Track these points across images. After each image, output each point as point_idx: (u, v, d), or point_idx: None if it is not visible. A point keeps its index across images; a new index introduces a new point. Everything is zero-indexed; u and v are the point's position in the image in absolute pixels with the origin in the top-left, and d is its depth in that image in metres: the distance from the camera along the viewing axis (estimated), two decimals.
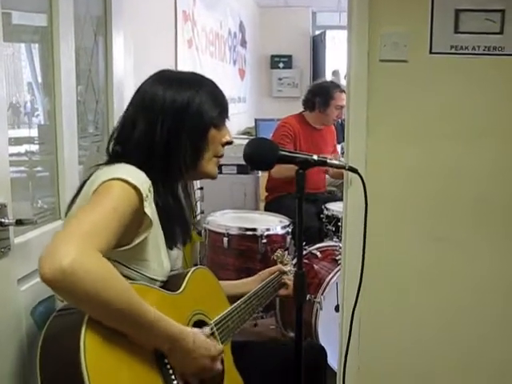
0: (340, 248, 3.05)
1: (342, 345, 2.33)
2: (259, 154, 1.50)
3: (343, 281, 2.31)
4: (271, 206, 3.77)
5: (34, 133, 1.88)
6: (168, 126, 1.46)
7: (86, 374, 1.09)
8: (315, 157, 1.49)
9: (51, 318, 1.24)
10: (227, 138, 1.57)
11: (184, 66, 3.76)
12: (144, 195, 1.31)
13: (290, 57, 7.34)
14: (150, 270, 1.41)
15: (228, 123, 1.61)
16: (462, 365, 2.26)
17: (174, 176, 1.51)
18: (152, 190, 1.37)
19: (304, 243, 3.26)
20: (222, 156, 1.58)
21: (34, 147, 1.87)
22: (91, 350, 1.12)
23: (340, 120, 4.64)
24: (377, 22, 2.10)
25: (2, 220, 1.47)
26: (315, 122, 3.81)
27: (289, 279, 1.95)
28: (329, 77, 6.90)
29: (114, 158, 1.50)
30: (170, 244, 1.50)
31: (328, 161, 1.50)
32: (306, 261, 3.12)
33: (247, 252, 3.06)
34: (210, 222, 3.16)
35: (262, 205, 4.08)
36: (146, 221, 1.34)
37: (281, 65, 7.36)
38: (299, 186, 1.51)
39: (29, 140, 1.83)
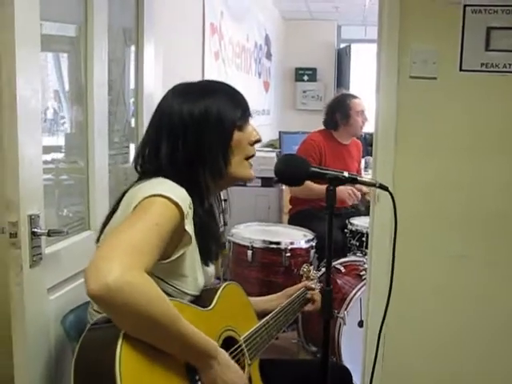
0: (364, 263, 3.05)
1: (365, 360, 2.31)
2: (290, 170, 1.50)
3: (368, 297, 2.30)
4: (295, 220, 3.76)
5: (61, 141, 1.90)
6: (189, 141, 1.45)
7: None
8: (346, 174, 1.49)
9: (85, 331, 1.25)
10: (255, 137, 1.55)
11: (211, 78, 3.79)
12: (185, 212, 1.31)
13: (314, 70, 7.35)
14: (186, 285, 1.41)
15: None
16: (487, 381, 2.23)
17: (203, 189, 1.51)
18: (192, 206, 1.36)
19: None
20: (253, 156, 1.55)
21: (61, 155, 1.89)
22: (126, 364, 1.13)
23: (364, 134, 4.68)
24: (407, 40, 2.11)
25: (35, 230, 1.50)
26: (343, 138, 3.79)
27: (315, 294, 1.94)
28: (353, 91, 6.90)
29: (144, 175, 1.49)
30: (206, 260, 1.50)
31: (359, 178, 1.50)
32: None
33: (271, 265, 3.05)
34: (234, 235, 3.17)
35: (286, 217, 4.08)
36: (186, 237, 1.34)
37: (305, 77, 7.36)
38: (329, 203, 1.49)
39: (55, 149, 1.85)
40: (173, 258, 1.35)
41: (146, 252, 1.20)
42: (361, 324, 2.76)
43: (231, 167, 1.51)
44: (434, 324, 2.24)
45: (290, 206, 3.93)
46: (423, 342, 2.26)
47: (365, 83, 7.15)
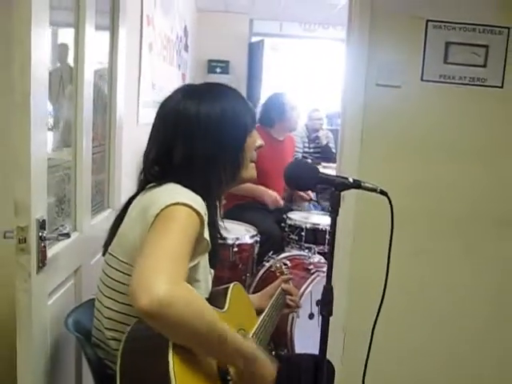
0: (309, 257, 3.17)
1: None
2: (299, 177, 1.55)
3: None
4: (230, 214, 3.80)
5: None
6: (208, 144, 1.45)
7: None
8: (351, 179, 1.57)
9: (125, 342, 1.24)
10: (259, 142, 1.59)
11: (146, 71, 3.74)
12: (205, 220, 1.33)
13: (227, 62, 7.38)
14: (200, 290, 1.43)
15: None
16: (447, 371, 2.43)
17: (215, 193, 1.53)
18: (207, 213, 1.38)
19: (271, 252, 3.35)
20: (255, 161, 1.59)
21: None
22: (179, 374, 1.14)
23: (327, 142, 5.04)
24: (375, 50, 2.23)
25: (42, 234, 1.44)
26: (279, 134, 3.90)
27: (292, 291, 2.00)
28: (266, 84, 7.07)
29: (155, 179, 1.48)
30: (213, 263, 1.53)
31: (362, 184, 1.59)
32: (272, 269, 3.20)
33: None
34: None
35: None
36: (203, 244, 1.35)
37: (218, 70, 7.38)
38: (334, 207, 1.57)
39: None
40: (191, 265, 1.36)
41: (184, 262, 1.21)
42: (311, 316, 2.89)
43: (243, 170, 1.55)
44: (398, 321, 2.38)
45: (225, 201, 3.97)
46: (387, 339, 2.38)
47: (278, 77, 7.36)
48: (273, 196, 3.69)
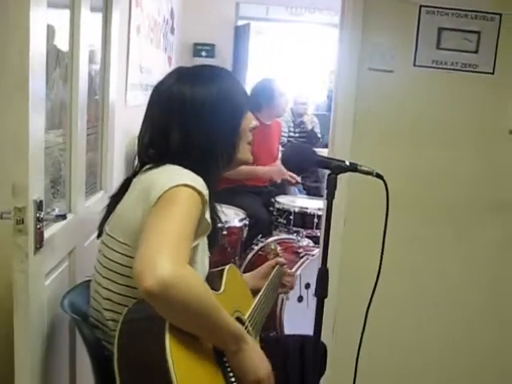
0: (298, 241, 3.20)
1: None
2: (297, 160, 1.56)
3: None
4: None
5: None
6: (203, 127, 1.45)
7: (175, 378, 1.12)
8: (347, 162, 1.58)
9: (122, 323, 1.23)
10: (253, 123, 1.58)
11: (134, 53, 3.71)
12: (207, 201, 1.33)
13: (212, 46, 7.32)
14: (197, 271, 1.43)
15: None
16: (440, 358, 2.46)
17: (213, 177, 1.53)
18: (208, 194, 1.38)
19: (260, 236, 3.37)
20: (251, 142, 1.59)
21: None
22: (176, 355, 1.15)
23: (312, 127, 5.02)
24: (368, 34, 2.24)
25: (39, 215, 1.43)
26: (266, 118, 3.90)
27: (288, 274, 2.01)
28: (252, 69, 7.03)
29: (151, 160, 1.47)
30: (211, 246, 1.54)
31: (358, 167, 1.60)
32: (261, 253, 3.23)
33: None
34: None
35: None
36: (204, 226, 1.35)
37: (203, 53, 7.31)
38: (330, 190, 1.58)
39: None
40: (191, 246, 1.36)
41: (187, 244, 1.22)
42: (300, 299, 2.92)
43: (239, 152, 1.55)
44: (390, 307, 2.40)
45: None
46: (379, 323, 2.39)
47: (264, 61, 7.34)
48: (275, 169, 3.70)
